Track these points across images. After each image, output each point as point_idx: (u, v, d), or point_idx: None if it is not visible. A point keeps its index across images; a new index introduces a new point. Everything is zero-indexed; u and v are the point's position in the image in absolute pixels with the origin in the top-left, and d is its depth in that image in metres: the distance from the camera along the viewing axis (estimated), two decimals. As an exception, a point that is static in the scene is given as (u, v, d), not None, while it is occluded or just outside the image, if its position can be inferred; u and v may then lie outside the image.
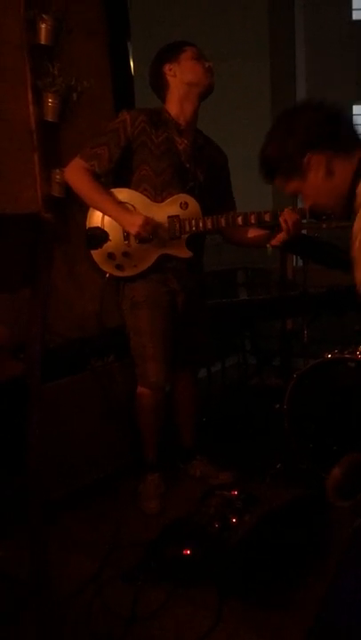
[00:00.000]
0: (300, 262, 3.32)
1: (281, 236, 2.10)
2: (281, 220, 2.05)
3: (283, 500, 1.89)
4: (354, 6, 12.61)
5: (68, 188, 2.52)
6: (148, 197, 2.14)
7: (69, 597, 1.69)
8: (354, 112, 12.91)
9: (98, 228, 2.17)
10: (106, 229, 2.16)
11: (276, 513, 1.85)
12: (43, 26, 2.37)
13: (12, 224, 1.35)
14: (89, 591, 1.73)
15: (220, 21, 7.09)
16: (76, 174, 2.14)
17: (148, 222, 2.07)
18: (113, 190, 2.16)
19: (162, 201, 2.13)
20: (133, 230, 2.07)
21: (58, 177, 2.46)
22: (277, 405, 2.40)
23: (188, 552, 1.77)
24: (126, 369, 2.43)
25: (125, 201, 2.14)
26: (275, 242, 2.14)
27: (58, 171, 2.46)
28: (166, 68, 2.15)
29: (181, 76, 2.13)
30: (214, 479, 2.38)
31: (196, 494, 2.12)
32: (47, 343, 2.29)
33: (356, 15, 12.64)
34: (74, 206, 2.40)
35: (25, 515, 1.45)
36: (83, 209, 2.24)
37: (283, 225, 2.05)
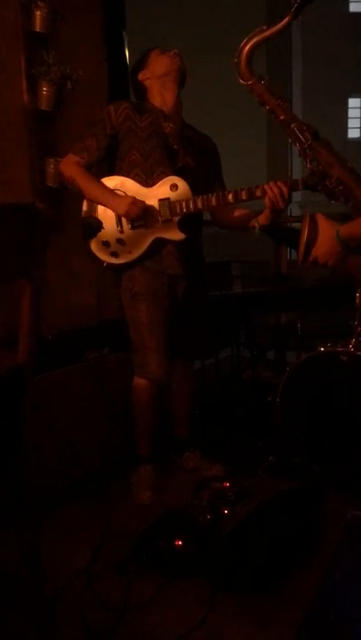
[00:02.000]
0: (295, 255, 3.33)
1: (266, 213, 2.10)
2: (266, 188, 2.05)
3: (275, 492, 1.90)
4: (351, -2, 12.60)
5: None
6: (140, 183, 2.17)
7: (61, 589, 1.69)
8: (350, 105, 12.94)
9: (91, 216, 2.20)
10: (99, 217, 2.18)
11: (268, 505, 1.86)
12: (38, 13, 2.34)
13: (5, 214, 1.34)
14: (81, 583, 1.73)
15: (215, 13, 7.05)
16: (67, 168, 2.20)
17: (135, 201, 2.10)
18: (105, 179, 2.20)
19: (153, 184, 2.15)
20: (122, 210, 2.10)
21: (52, 166, 2.44)
22: (270, 398, 2.41)
23: (180, 543, 1.78)
24: (122, 361, 2.43)
25: (117, 188, 2.17)
26: (261, 218, 2.14)
27: (52, 160, 2.44)
28: (140, 75, 2.26)
29: (154, 74, 2.23)
30: (207, 471, 2.39)
31: (189, 486, 2.12)
32: (41, 335, 2.28)
33: (353, 7, 12.61)
34: (68, 196, 2.39)
35: (16, 508, 1.45)
36: (77, 199, 2.24)
37: (268, 193, 2.04)
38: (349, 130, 13.04)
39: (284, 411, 2.32)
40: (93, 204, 2.19)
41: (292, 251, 3.68)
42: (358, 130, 13.02)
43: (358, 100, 12.69)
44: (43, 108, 2.42)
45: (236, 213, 2.29)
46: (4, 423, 1.40)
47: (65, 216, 2.50)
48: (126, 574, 1.75)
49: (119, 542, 1.90)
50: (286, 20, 1.65)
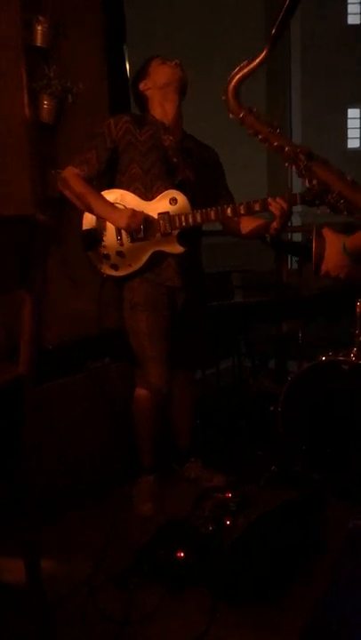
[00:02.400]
0: (295, 265, 3.34)
1: (274, 224, 2.13)
2: (271, 208, 2.08)
3: (277, 502, 1.89)
4: (349, 11, 12.72)
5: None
6: (140, 196, 2.17)
7: (62, 600, 1.68)
8: (349, 115, 13.02)
9: (92, 229, 2.22)
10: (100, 230, 2.20)
11: (270, 515, 1.85)
12: (39, 28, 2.37)
13: (6, 225, 1.35)
14: (82, 594, 1.72)
15: (215, 26, 7.12)
16: (67, 181, 2.19)
17: (135, 214, 2.11)
18: (105, 192, 2.21)
19: (152, 198, 2.16)
20: (123, 223, 2.11)
21: (53, 178, 2.46)
22: (272, 408, 2.41)
23: (182, 555, 1.77)
24: (123, 371, 2.43)
25: (117, 201, 2.18)
26: (270, 231, 2.17)
27: (53, 172, 2.46)
28: (141, 85, 2.27)
29: (155, 84, 2.23)
30: (208, 482, 2.38)
31: (191, 497, 2.12)
32: (42, 345, 2.29)
33: (351, 19, 12.74)
34: (69, 207, 2.40)
35: (17, 516, 1.45)
36: (79, 210, 2.25)
37: (274, 212, 2.08)
38: (349, 140, 13.11)
39: (286, 420, 2.32)
40: (94, 216, 2.21)
41: (293, 260, 3.69)
42: (358, 140, 13.09)
43: (357, 110, 12.77)
44: (44, 121, 2.44)
45: (246, 223, 2.30)
46: (5, 434, 1.40)
47: (66, 227, 2.52)
48: (128, 585, 1.75)
49: (120, 552, 1.90)
50: (265, 52, 1.70)
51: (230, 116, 1.76)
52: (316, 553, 1.83)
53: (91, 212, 2.19)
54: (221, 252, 2.67)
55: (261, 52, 1.68)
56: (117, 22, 2.86)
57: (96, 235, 2.20)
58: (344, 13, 12.63)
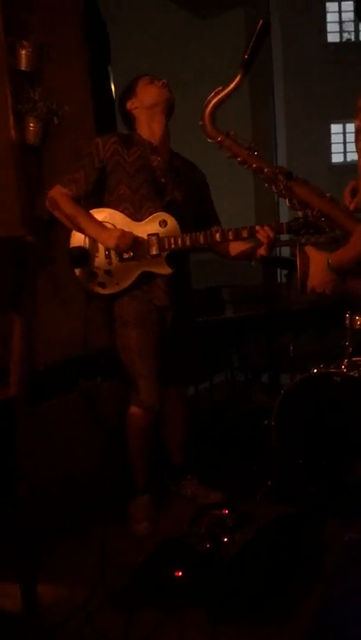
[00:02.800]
0: (284, 279, 3.36)
1: (261, 250, 2.17)
2: (259, 236, 2.12)
3: (272, 518, 1.88)
4: (328, 29, 12.99)
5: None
6: (129, 216, 2.19)
7: (60, 624, 1.65)
8: (332, 130, 13.20)
9: (80, 247, 2.22)
10: (88, 249, 2.20)
11: (266, 531, 1.84)
12: (23, 52, 2.40)
13: (-5, 247, 1.35)
14: (80, 617, 1.69)
15: (198, 47, 7.23)
16: (56, 200, 2.20)
17: (125, 234, 2.12)
18: (94, 210, 2.21)
19: (141, 219, 2.18)
20: (112, 243, 2.12)
21: (41, 199, 2.47)
22: (266, 422, 2.40)
23: (180, 574, 1.75)
24: (114, 390, 2.42)
25: (106, 220, 2.19)
26: (257, 256, 2.20)
27: (40, 193, 2.47)
28: (128, 104, 2.28)
29: (142, 104, 2.24)
30: (204, 499, 2.36)
31: (187, 514, 2.10)
32: (33, 366, 2.27)
33: (330, 37, 13.00)
34: (58, 228, 2.41)
35: (11, 543, 1.43)
36: (67, 230, 2.26)
37: (261, 240, 2.12)
38: (333, 155, 13.29)
39: (280, 434, 2.31)
40: (82, 234, 2.21)
41: (282, 274, 3.71)
42: (342, 154, 13.27)
43: (340, 125, 12.97)
44: (30, 143, 2.46)
45: (233, 246, 2.32)
46: (-2, 456, 1.39)
47: (54, 247, 2.52)
48: (125, 607, 1.72)
49: (117, 573, 1.87)
50: (238, 77, 1.78)
51: (209, 140, 1.81)
52: (312, 567, 1.81)
53: (80, 231, 2.20)
54: (211, 267, 2.68)
55: (235, 77, 1.74)
56: (101, 43, 2.89)
57: (84, 253, 2.20)
58: (324, 32, 12.90)
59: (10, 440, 1.42)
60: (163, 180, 2.22)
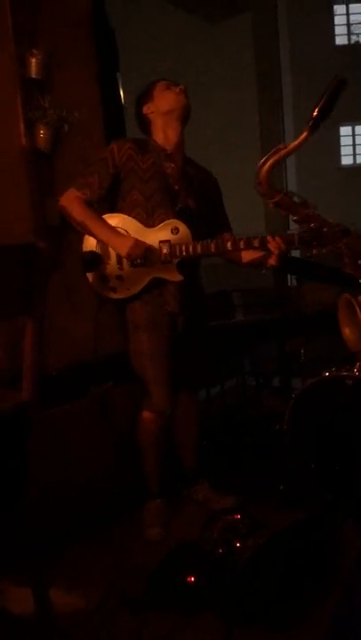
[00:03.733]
0: (295, 282, 3.35)
1: (271, 261, 2.15)
2: (270, 247, 2.10)
3: (286, 523, 1.87)
4: (336, 32, 12.97)
5: (62, 216, 2.55)
6: (141, 222, 2.19)
7: (74, 629, 1.65)
8: (341, 133, 13.18)
9: (92, 252, 2.23)
10: (100, 253, 2.21)
11: (280, 536, 1.83)
12: (33, 60, 2.42)
13: (8, 253, 1.37)
14: (94, 622, 1.69)
15: (206, 51, 7.25)
16: (69, 203, 2.20)
17: (138, 244, 2.12)
18: (106, 215, 2.22)
19: (154, 225, 2.18)
20: (124, 252, 2.12)
21: (52, 205, 2.49)
22: (278, 426, 2.39)
23: (193, 579, 1.75)
24: (126, 395, 2.42)
25: (118, 226, 2.19)
26: (267, 265, 2.19)
27: (52, 199, 2.49)
28: (145, 109, 2.27)
29: (158, 109, 2.24)
30: (217, 504, 2.36)
31: (200, 519, 2.09)
32: (45, 370, 2.28)
33: (338, 40, 12.98)
34: (69, 233, 2.43)
35: (24, 547, 1.44)
36: (78, 235, 2.27)
37: (272, 250, 2.10)
38: (342, 157, 13.25)
39: (292, 438, 2.30)
40: (94, 239, 2.21)
41: (293, 278, 3.70)
42: (351, 157, 13.22)
43: (349, 127, 12.93)
44: (41, 150, 2.48)
45: (245, 254, 2.30)
46: (10, 461, 1.39)
47: (65, 252, 2.54)
48: (139, 611, 1.72)
49: (130, 578, 1.87)
50: (304, 136, 1.65)
51: (266, 200, 1.73)
52: (327, 571, 1.80)
53: (92, 235, 2.20)
54: (221, 271, 2.68)
55: (299, 136, 1.62)
56: (110, 50, 2.91)
57: (96, 257, 2.21)
58: (332, 34, 12.89)
59: (21, 444, 1.42)
60: (176, 187, 2.22)
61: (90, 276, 2.24)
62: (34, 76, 2.44)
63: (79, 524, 2.21)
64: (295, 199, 1.77)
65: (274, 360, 3.68)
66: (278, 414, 2.42)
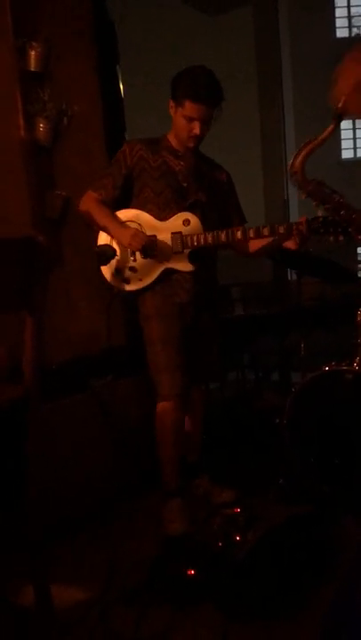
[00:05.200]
0: (294, 276, 3.35)
1: (290, 244, 2.21)
2: (296, 231, 2.15)
3: (285, 517, 1.88)
4: (337, 24, 12.90)
5: (62, 210, 2.55)
6: (154, 216, 2.24)
7: (73, 623, 1.66)
8: (342, 126, 13.17)
9: (106, 245, 2.26)
10: (114, 246, 2.24)
11: (279, 530, 1.84)
12: (32, 53, 2.41)
13: (7, 246, 1.36)
14: (92, 616, 1.70)
15: (206, 45, 7.21)
16: (85, 204, 2.27)
17: (137, 233, 2.16)
18: (122, 211, 2.27)
19: (166, 218, 2.23)
20: (125, 241, 2.17)
21: (51, 199, 2.48)
22: (277, 420, 2.40)
23: (192, 572, 1.75)
24: (126, 388, 2.43)
25: (133, 220, 2.24)
26: (289, 244, 2.23)
27: (51, 192, 2.48)
28: (170, 104, 2.24)
29: (174, 119, 2.23)
30: (217, 497, 2.36)
31: (199, 513, 2.10)
32: (45, 364, 2.29)
33: (339, 33, 12.92)
34: (68, 227, 2.42)
35: (24, 541, 1.44)
36: (78, 230, 2.27)
37: (297, 237, 2.16)
38: (343, 150, 13.21)
39: (292, 432, 2.31)
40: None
41: (292, 272, 3.70)
42: (352, 150, 13.18)
43: (350, 121, 12.89)
44: (40, 143, 2.47)
45: (252, 243, 2.34)
46: (10, 454, 1.40)
47: (65, 246, 2.54)
48: (137, 604, 1.72)
49: (129, 571, 1.88)
50: (331, 127, 1.73)
51: (298, 189, 1.79)
52: (326, 566, 1.81)
53: (100, 228, 2.26)
54: (220, 265, 2.68)
55: (327, 128, 1.72)
56: (109, 43, 2.90)
57: (110, 251, 2.24)
58: (333, 27, 12.82)
59: (21, 439, 1.42)
60: (185, 184, 2.27)
61: (104, 269, 2.28)
62: (33, 69, 2.43)
63: (79, 519, 2.22)
64: (325, 189, 1.81)
65: (273, 354, 3.68)
66: (278, 408, 2.42)
